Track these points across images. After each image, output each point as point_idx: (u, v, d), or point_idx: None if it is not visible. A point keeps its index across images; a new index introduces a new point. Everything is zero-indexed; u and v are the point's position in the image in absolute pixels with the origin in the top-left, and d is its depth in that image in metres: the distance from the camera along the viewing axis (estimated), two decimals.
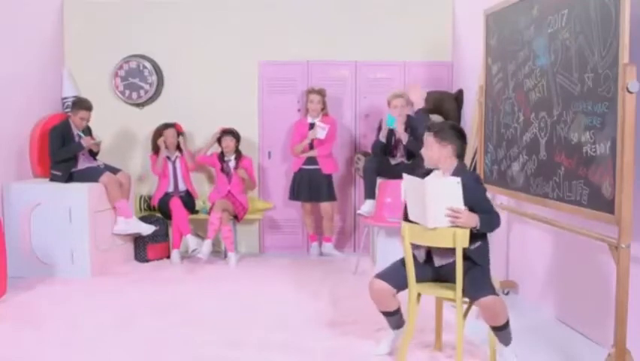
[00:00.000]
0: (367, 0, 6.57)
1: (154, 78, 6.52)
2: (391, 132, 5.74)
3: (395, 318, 3.65)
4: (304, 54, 6.49)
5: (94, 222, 5.56)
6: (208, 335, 4.02)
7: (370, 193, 5.65)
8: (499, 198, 4.81)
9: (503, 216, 4.89)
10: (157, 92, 6.57)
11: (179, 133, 6.39)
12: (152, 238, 6.07)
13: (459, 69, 6.44)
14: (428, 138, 3.47)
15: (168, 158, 6.31)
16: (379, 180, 5.65)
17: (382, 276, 3.56)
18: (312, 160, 6.20)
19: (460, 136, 3.47)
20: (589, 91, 3.40)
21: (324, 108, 6.18)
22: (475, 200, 3.36)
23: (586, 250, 3.90)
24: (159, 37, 6.53)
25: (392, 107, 5.66)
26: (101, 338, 3.99)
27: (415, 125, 5.46)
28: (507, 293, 4.86)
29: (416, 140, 5.32)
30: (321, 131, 6.07)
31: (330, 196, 6.25)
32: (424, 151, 3.52)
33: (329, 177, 6.24)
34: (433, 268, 3.51)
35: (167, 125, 6.31)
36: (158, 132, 6.31)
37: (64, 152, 5.66)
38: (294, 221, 6.61)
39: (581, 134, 3.48)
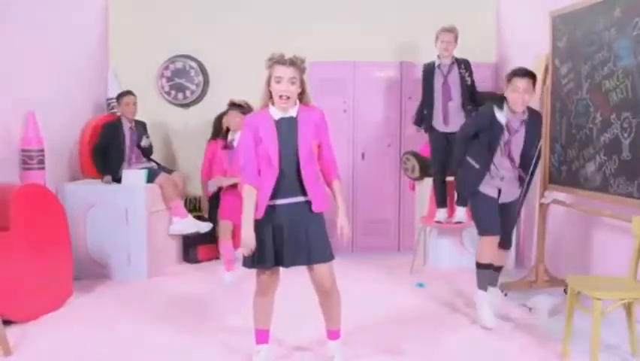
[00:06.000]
0: (412, 1, 6.60)
1: (200, 79, 6.50)
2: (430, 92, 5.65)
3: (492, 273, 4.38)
4: (351, 54, 6.49)
5: (150, 223, 5.54)
6: (284, 336, 4.01)
7: (442, 202, 5.76)
8: (569, 198, 4.80)
9: (573, 215, 4.92)
10: (203, 93, 6.56)
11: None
12: (203, 238, 6.01)
13: (504, 70, 6.45)
14: (530, 84, 4.23)
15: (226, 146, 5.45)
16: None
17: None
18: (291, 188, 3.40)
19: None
20: None
21: (303, 92, 3.37)
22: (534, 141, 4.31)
23: None
24: (205, 37, 6.51)
25: (440, 42, 5.56)
26: (172, 341, 3.99)
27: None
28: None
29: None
30: None
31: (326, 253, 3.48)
32: (526, 98, 4.21)
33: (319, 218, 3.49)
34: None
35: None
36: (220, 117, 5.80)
37: (96, 164, 5.72)
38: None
39: None
